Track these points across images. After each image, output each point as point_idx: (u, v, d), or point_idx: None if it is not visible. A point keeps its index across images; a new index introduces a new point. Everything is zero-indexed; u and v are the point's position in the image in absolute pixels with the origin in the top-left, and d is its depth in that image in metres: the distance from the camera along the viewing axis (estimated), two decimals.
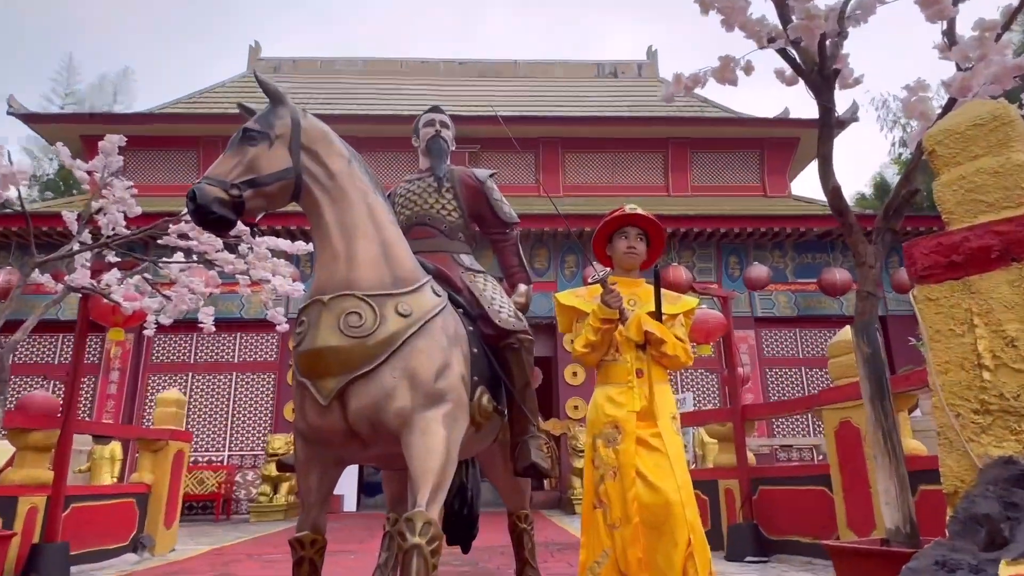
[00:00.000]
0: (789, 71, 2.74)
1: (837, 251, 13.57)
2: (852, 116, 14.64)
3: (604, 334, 2.88)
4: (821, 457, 11.13)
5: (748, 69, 2.57)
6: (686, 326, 3.08)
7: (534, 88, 18.35)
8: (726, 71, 2.58)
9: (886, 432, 2.49)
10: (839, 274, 12.45)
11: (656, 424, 2.82)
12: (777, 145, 15.59)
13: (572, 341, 3.10)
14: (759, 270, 12.69)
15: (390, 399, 2.49)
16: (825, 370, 13.06)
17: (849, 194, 25.55)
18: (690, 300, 3.14)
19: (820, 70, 2.65)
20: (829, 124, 2.65)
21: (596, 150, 15.53)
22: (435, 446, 2.46)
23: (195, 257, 5.14)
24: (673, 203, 14.32)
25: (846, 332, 4.91)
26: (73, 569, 5.26)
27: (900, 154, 22.29)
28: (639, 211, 3.09)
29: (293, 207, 2.84)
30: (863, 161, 51.12)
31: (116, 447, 10.49)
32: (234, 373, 12.85)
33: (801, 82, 2.73)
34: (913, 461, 3.85)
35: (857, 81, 2.72)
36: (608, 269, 2.94)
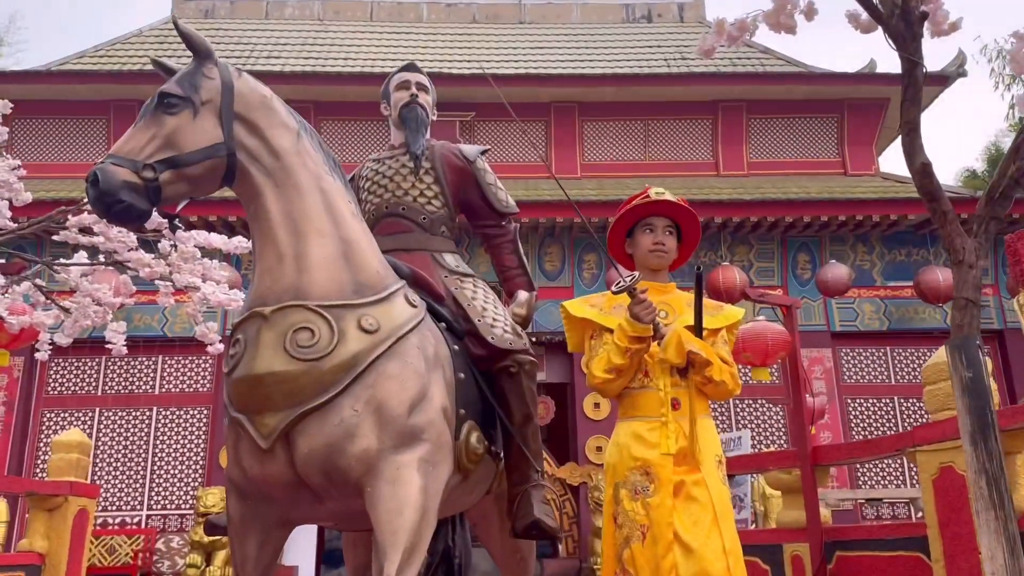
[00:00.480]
0: (864, 15, 2.77)
1: (939, 245, 13.58)
2: (957, 70, 14.67)
3: (634, 356, 2.90)
4: (920, 514, 11.12)
5: (809, 13, 2.61)
6: (729, 344, 3.10)
7: (544, 37, 18.41)
8: (781, 15, 2.62)
9: (991, 479, 2.51)
10: (942, 275, 12.42)
11: (699, 469, 2.84)
12: (860, 108, 15.60)
13: (586, 364, 3.13)
14: (837, 270, 12.70)
15: (350, 439, 2.52)
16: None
17: (956, 170, 25.54)
18: (734, 311, 3.16)
19: (903, 13, 2.68)
20: (915, 84, 2.69)
21: (624, 117, 15.56)
22: (408, 499, 2.49)
23: (102, 258, 5.18)
24: (724, 184, 14.34)
25: (945, 352, 4.92)
26: None
27: (1021, 118, 22.30)
28: (667, 196, 3.12)
29: (229, 192, 2.88)
30: (974, 127, 51.19)
31: (0, 505, 10.51)
32: (154, 408, 12.88)
33: (880, 29, 2.76)
34: None
35: (954, 27, 2.75)
36: (636, 274, 2.98)
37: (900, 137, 2.76)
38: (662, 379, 2.95)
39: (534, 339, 3.35)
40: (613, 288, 2.88)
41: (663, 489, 2.81)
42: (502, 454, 3.35)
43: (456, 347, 3.15)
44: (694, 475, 2.83)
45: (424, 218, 3.62)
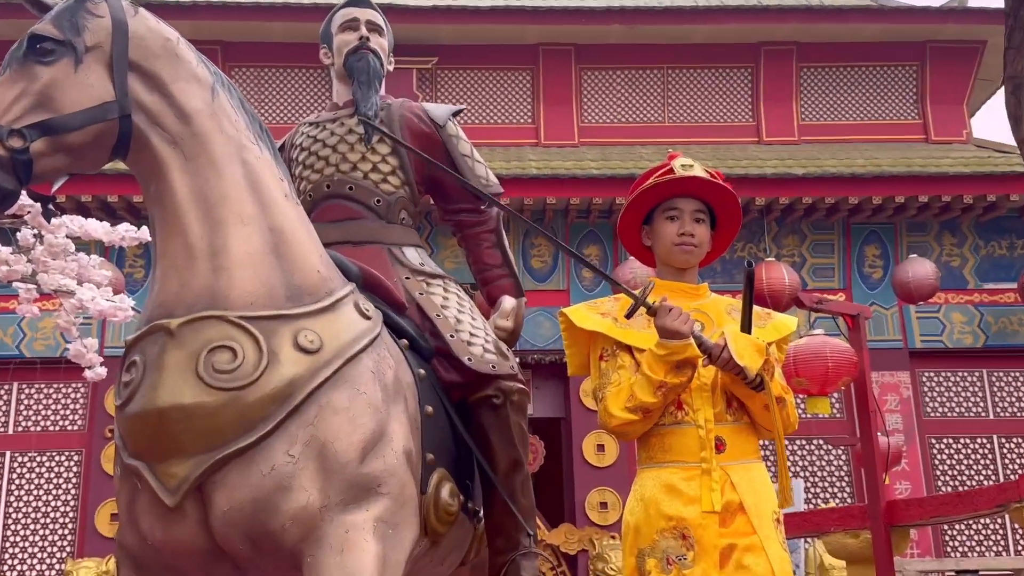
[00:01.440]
0: None
1: None
2: None
3: (670, 392, 2.86)
4: None
5: None
6: (780, 362, 3.10)
7: None
8: None
9: None
10: None
11: (752, 529, 2.85)
12: (948, 54, 15.61)
13: (595, 394, 3.10)
14: (919, 268, 12.71)
15: (285, 493, 2.54)
16: None
17: None
18: (786, 320, 3.18)
19: None
20: (1022, 26, 2.73)
21: (636, 65, 15.57)
22: (361, 571, 2.51)
23: None
24: (768, 154, 14.38)
25: None
26: None
27: None
28: (696, 171, 3.11)
29: (116, 165, 2.89)
30: None
31: None
32: (7, 452, 12.81)
33: None
34: None
35: None
36: (650, 281, 2.94)
37: (1003, 94, 2.80)
38: (702, 412, 2.92)
39: (519, 360, 3.37)
40: (625, 313, 2.87)
41: (706, 558, 2.81)
42: (482, 513, 3.37)
43: (422, 371, 3.17)
44: (747, 538, 2.84)
45: (378, 200, 3.64)
